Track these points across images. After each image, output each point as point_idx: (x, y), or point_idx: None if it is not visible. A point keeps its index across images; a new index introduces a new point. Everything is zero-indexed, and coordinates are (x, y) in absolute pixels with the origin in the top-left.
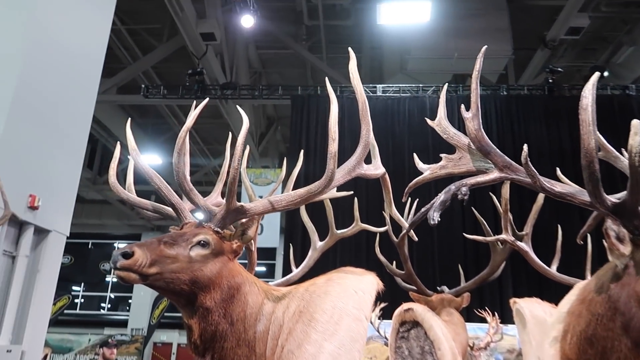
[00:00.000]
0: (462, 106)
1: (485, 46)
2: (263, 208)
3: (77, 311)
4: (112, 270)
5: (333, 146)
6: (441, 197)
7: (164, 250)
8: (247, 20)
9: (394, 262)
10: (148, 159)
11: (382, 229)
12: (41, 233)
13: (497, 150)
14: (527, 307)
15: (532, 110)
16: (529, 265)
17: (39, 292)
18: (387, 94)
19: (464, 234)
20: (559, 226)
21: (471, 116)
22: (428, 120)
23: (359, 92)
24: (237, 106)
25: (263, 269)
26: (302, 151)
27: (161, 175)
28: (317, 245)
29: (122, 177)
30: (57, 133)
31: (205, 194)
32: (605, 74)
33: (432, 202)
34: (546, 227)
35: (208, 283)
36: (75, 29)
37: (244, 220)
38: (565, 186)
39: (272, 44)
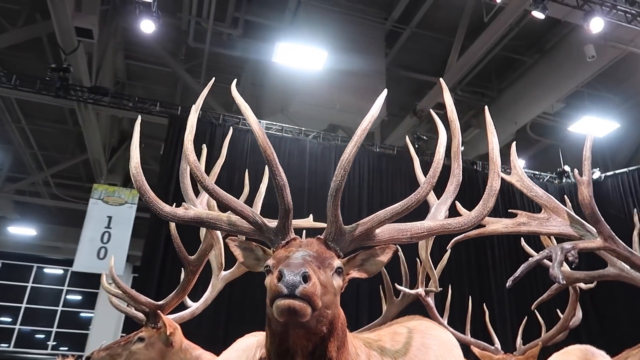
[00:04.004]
0: (576, 170)
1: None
2: (389, 236)
3: None
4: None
5: (497, 182)
6: (558, 257)
7: (320, 276)
8: (148, 26)
9: None
10: None
11: None
12: None
13: (604, 220)
14: None
15: (399, 169)
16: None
17: None
18: (270, 131)
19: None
20: (449, 286)
21: (586, 182)
22: (504, 175)
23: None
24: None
25: (79, 297)
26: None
27: None
28: (222, 275)
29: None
30: None
31: (30, 205)
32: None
33: (530, 261)
34: None
35: (337, 325)
36: None
37: (366, 247)
38: None
39: (144, 56)
